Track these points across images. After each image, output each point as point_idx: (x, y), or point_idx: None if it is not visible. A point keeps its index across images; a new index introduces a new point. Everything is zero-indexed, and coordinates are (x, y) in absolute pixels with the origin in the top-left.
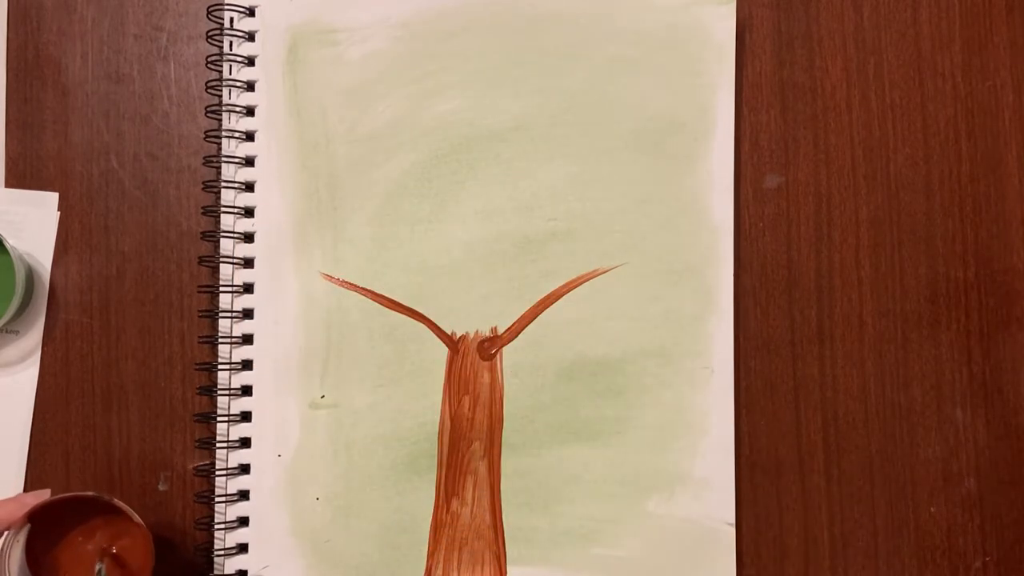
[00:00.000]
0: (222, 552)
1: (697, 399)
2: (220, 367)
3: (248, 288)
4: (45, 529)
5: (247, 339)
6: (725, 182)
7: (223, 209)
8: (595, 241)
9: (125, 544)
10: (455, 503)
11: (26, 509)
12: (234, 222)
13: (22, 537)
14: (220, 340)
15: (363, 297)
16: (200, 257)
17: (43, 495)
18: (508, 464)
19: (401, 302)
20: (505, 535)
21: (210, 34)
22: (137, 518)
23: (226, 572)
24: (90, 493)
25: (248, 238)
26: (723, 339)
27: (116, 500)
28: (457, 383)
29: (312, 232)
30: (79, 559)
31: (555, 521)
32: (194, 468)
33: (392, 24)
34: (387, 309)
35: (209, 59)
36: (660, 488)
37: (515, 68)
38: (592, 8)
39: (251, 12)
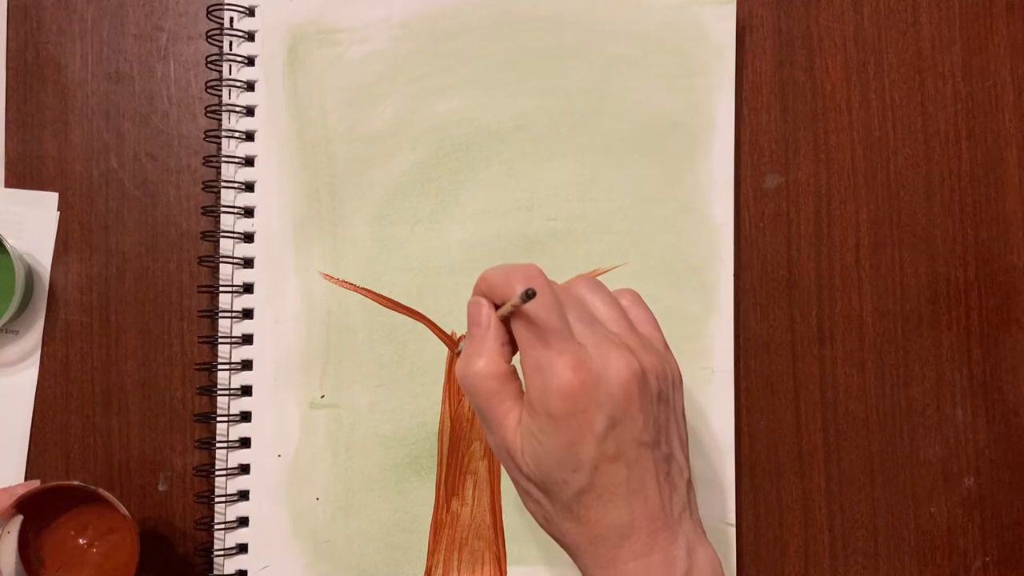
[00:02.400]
0: (222, 552)
1: (697, 399)
2: (220, 367)
3: (248, 288)
4: (38, 523)
5: (247, 339)
6: (725, 182)
7: (223, 209)
8: (595, 241)
9: (115, 538)
10: (455, 503)
11: (14, 498)
12: (234, 222)
13: (14, 528)
14: (220, 340)
15: (363, 297)
16: (200, 257)
17: (31, 486)
18: None
19: (401, 302)
20: (505, 535)
21: (210, 34)
22: (123, 509)
23: (226, 572)
24: (75, 483)
25: (248, 238)
26: (723, 339)
27: (101, 490)
28: (457, 383)
29: (312, 232)
30: (71, 552)
31: None
32: (194, 468)
33: (392, 24)
34: (387, 309)
35: (209, 59)
36: None
37: (515, 68)
38: (592, 8)
39: (251, 12)
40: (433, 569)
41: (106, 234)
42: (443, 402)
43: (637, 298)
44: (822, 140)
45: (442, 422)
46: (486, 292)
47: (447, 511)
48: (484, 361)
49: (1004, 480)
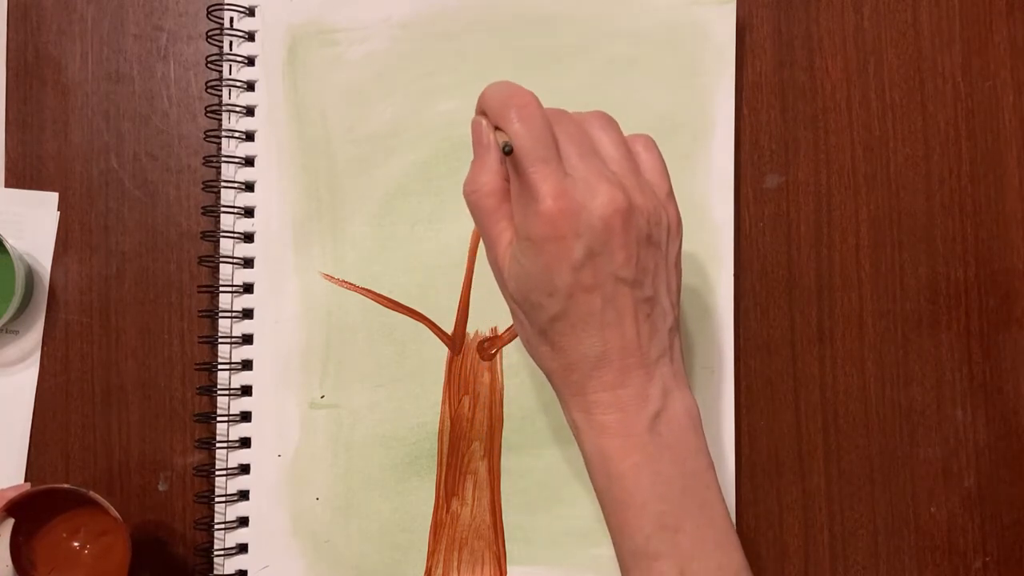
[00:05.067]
0: (222, 552)
1: (697, 399)
2: (220, 367)
3: (248, 288)
4: (29, 525)
5: (247, 339)
6: (725, 182)
7: (223, 209)
8: None
9: (108, 540)
10: (455, 503)
11: (4, 502)
12: (234, 222)
13: (5, 531)
14: (220, 340)
15: (363, 297)
16: (200, 257)
17: (22, 489)
18: (508, 464)
19: (401, 302)
20: (505, 535)
21: (210, 34)
22: (114, 511)
23: (226, 572)
24: (66, 485)
25: (248, 238)
26: (723, 339)
27: (92, 493)
28: (457, 383)
29: (312, 232)
30: (64, 555)
31: (555, 521)
32: (194, 468)
33: (392, 24)
34: (387, 309)
35: (209, 59)
36: None
37: (515, 68)
38: (592, 8)
39: (251, 12)
40: (433, 569)
41: (106, 234)
42: (443, 402)
43: (650, 144)
44: (822, 140)
45: (442, 422)
46: (485, 112)
47: (447, 511)
48: (486, 178)
49: (1004, 480)
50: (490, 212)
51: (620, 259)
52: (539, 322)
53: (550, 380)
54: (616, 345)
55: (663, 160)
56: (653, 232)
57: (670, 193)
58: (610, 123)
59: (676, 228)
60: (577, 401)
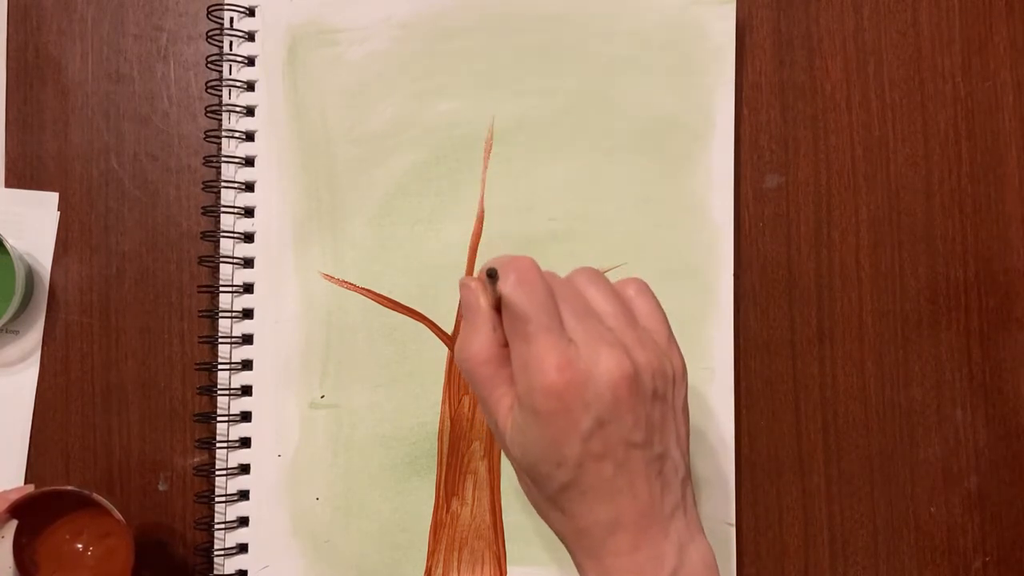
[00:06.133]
0: (222, 552)
1: (697, 399)
2: (220, 367)
3: (248, 288)
4: (32, 527)
5: (247, 339)
6: (725, 182)
7: (223, 209)
8: (595, 241)
9: (111, 542)
10: (455, 503)
11: (7, 503)
12: (234, 222)
13: (8, 533)
14: (220, 340)
15: (363, 297)
16: (200, 257)
17: (25, 490)
18: (508, 464)
19: (401, 302)
20: (505, 535)
21: (210, 34)
22: (117, 514)
23: (226, 572)
24: (69, 487)
25: (248, 238)
26: (723, 339)
27: (95, 495)
28: (457, 383)
29: (312, 232)
30: (66, 556)
31: None
32: (194, 468)
33: (392, 24)
34: (387, 309)
35: (209, 59)
36: None
37: (515, 68)
38: (592, 8)
39: (251, 12)
40: (433, 569)
41: (106, 234)
42: (443, 402)
43: (643, 288)
44: (822, 140)
45: (442, 422)
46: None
47: (447, 511)
48: (478, 347)
49: (1004, 480)
50: (487, 380)
51: (629, 424)
52: (548, 490)
53: (563, 542)
54: (630, 509)
55: (658, 303)
56: (659, 387)
57: (671, 337)
58: (597, 276)
59: (681, 375)
60: (592, 565)
